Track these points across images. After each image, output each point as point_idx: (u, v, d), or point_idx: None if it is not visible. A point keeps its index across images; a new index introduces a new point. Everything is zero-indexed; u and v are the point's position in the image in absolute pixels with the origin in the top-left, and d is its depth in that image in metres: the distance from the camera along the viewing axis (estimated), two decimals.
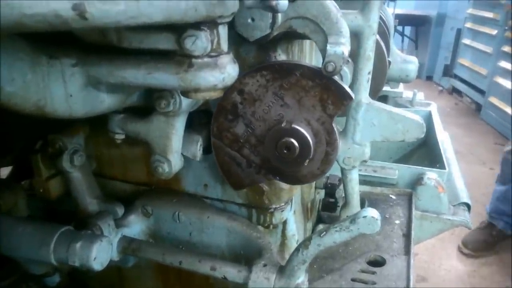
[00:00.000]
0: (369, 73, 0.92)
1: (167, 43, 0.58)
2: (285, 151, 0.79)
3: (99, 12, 0.45)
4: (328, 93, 0.77)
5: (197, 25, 0.56)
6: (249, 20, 0.75)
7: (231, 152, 0.86)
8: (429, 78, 7.40)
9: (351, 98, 0.77)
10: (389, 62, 1.45)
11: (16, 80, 0.55)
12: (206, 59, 0.59)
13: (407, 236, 1.36)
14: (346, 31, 0.74)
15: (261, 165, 0.85)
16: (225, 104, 0.82)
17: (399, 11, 5.98)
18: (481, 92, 5.70)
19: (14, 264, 0.90)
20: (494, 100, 5.29)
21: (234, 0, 0.57)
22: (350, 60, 1.02)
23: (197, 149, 0.89)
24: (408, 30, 7.76)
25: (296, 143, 0.78)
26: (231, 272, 0.89)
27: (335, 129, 0.80)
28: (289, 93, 0.78)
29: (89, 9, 0.44)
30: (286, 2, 0.58)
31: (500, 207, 3.12)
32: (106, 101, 0.69)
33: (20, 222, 0.86)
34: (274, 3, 0.56)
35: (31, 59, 0.56)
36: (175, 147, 0.84)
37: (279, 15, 0.74)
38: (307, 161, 0.80)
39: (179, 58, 0.58)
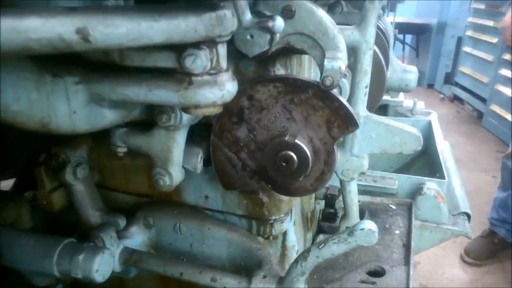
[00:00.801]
0: (366, 86, 0.94)
1: (168, 61, 0.60)
2: (283, 163, 0.81)
3: (102, 35, 0.47)
4: (336, 117, 0.79)
5: (197, 44, 0.58)
6: (248, 37, 0.77)
7: (229, 153, 0.87)
8: (431, 86, 7.41)
9: (357, 126, 0.79)
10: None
11: (21, 99, 0.57)
12: (205, 77, 0.61)
13: (407, 246, 1.36)
14: (343, 46, 0.76)
15: (256, 171, 0.87)
16: (232, 107, 0.83)
17: (399, 19, 6.00)
18: (483, 100, 5.70)
19: (17, 275, 0.91)
20: (495, 108, 5.30)
21: (232, 20, 0.59)
22: (348, 73, 1.04)
23: (197, 161, 0.91)
24: (409, 38, 7.79)
25: (295, 158, 0.79)
26: (231, 284, 0.90)
27: (336, 151, 0.82)
28: (298, 108, 0.80)
29: (93, 32, 0.46)
30: (282, 24, 0.60)
31: (502, 215, 3.11)
32: (108, 117, 0.70)
33: (24, 234, 0.87)
34: (270, 24, 0.58)
35: (35, 78, 0.58)
36: (176, 160, 0.86)
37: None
38: (302, 176, 0.82)
39: (180, 76, 0.60)
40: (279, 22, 0.58)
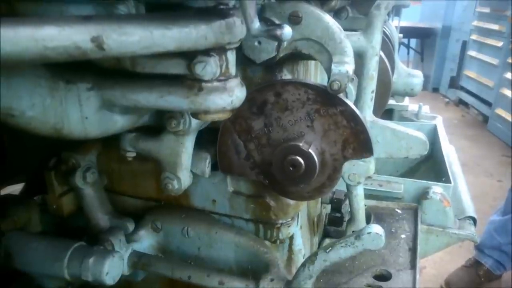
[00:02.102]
0: (372, 91, 0.95)
1: (178, 68, 0.61)
2: (290, 167, 0.81)
3: (115, 43, 0.48)
4: (355, 139, 0.80)
5: (206, 52, 0.59)
6: (256, 44, 0.79)
7: (237, 139, 0.87)
8: (436, 90, 7.40)
9: (372, 154, 0.81)
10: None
11: (36, 105, 0.58)
12: (215, 83, 0.62)
13: (413, 250, 1.37)
14: (350, 51, 0.77)
15: (259, 165, 0.87)
16: (257, 97, 0.82)
17: (404, 23, 6.01)
18: (488, 104, 5.69)
19: (28, 278, 0.92)
20: (501, 111, 5.28)
21: (241, 28, 0.60)
22: (354, 78, 1.05)
23: (205, 166, 0.92)
24: (413, 42, 7.79)
25: (303, 166, 0.80)
26: (239, 286, 0.90)
27: (342, 170, 0.82)
28: (321, 120, 0.80)
29: (107, 40, 0.47)
30: (290, 32, 0.61)
31: (497, 239, 2.78)
32: (119, 122, 0.71)
33: (34, 237, 0.89)
34: (279, 33, 0.59)
35: (50, 85, 0.59)
36: (185, 164, 0.87)
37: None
38: (310, 184, 0.83)
39: (190, 82, 0.61)
40: (287, 30, 0.59)
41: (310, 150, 0.80)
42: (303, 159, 0.80)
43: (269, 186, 0.89)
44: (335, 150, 0.82)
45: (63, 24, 0.46)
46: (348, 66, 0.75)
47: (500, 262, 2.78)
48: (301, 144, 0.80)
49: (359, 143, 0.81)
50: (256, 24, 0.60)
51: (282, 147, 0.82)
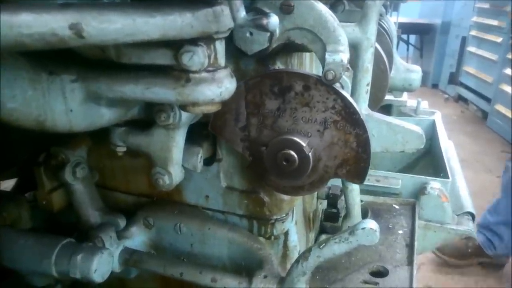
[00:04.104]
0: (367, 84, 0.93)
1: (165, 58, 0.59)
2: (283, 160, 0.79)
3: (96, 30, 0.46)
4: (354, 163, 0.79)
5: (194, 41, 0.57)
6: (248, 34, 0.76)
7: (242, 108, 0.82)
8: (435, 86, 7.39)
9: (362, 183, 0.80)
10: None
11: (17, 96, 0.56)
12: (203, 74, 0.60)
13: (410, 246, 1.35)
14: (344, 39, 0.74)
15: (251, 141, 0.83)
16: (284, 78, 0.78)
17: (403, 20, 5.99)
18: (487, 99, 5.68)
19: (17, 276, 0.91)
20: (500, 107, 5.27)
21: (230, 17, 0.58)
22: (349, 68, 1.03)
23: (197, 161, 0.90)
24: (413, 38, 7.76)
25: (296, 165, 0.78)
26: (232, 284, 0.89)
27: (325, 185, 0.82)
28: (334, 132, 0.78)
29: (86, 28, 0.46)
30: (277, 21, 0.59)
31: (487, 219, 2.97)
32: (106, 115, 0.70)
33: (22, 234, 0.87)
34: (265, 22, 0.57)
35: (31, 76, 0.57)
36: (176, 159, 0.85)
37: (277, 28, 0.75)
38: (292, 181, 0.82)
39: (177, 73, 0.59)
40: (274, 20, 0.57)
41: (309, 154, 0.78)
42: (298, 159, 0.78)
43: (250, 163, 0.86)
44: (331, 163, 0.81)
45: (40, 10, 0.44)
46: (343, 55, 0.72)
47: (491, 241, 2.93)
48: (304, 145, 0.77)
49: (356, 168, 0.80)
50: (242, 14, 0.58)
51: (284, 138, 0.79)
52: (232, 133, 0.84)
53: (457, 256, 3.00)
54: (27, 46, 0.44)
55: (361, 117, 0.77)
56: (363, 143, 0.78)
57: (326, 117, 0.77)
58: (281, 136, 0.80)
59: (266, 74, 0.79)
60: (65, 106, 0.62)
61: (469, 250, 2.99)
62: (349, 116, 0.76)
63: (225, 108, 0.81)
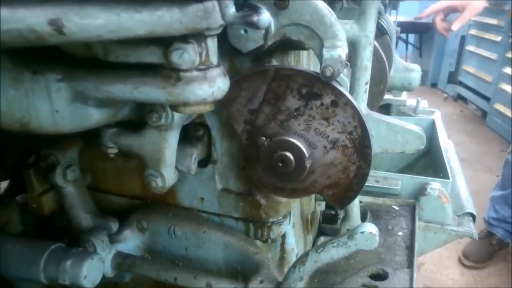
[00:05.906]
0: (366, 83, 0.90)
1: (154, 56, 0.56)
2: (279, 160, 0.77)
3: (77, 26, 0.44)
4: (342, 191, 0.79)
5: (184, 38, 0.54)
6: (242, 32, 0.74)
7: (260, 92, 0.77)
8: (434, 85, 7.36)
9: (341, 209, 0.81)
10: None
11: None
12: (194, 73, 0.57)
13: (410, 248, 1.33)
14: (342, 34, 0.71)
15: (254, 127, 0.80)
16: (318, 87, 0.74)
17: (402, 18, 5.95)
18: (487, 98, 5.65)
19: (5, 282, 0.88)
20: (499, 106, 5.24)
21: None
22: (348, 64, 1.00)
23: (191, 162, 0.87)
24: (412, 37, 7.74)
25: (291, 168, 0.77)
26: None
27: (306, 197, 0.80)
28: (340, 154, 0.77)
29: (67, 23, 0.43)
30: (268, 17, 0.56)
31: (501, 213, 3.02)
32: (95, 116, 0.67)
33: (11, 239, 0.84)
34: (255, 19, 0.54)
35: (13, 75, 0.55)
36: (169, 161, 0.82)
37: (272, 24, 0.72)
38: (276, 181, 0.81)
39: (167, 72, 0.57)
40: (265, 16, 0.54)
41: (307, 166, 0.76)
42: (295, 166, 0.76)
43: (244, 160, 0.84)
44: (321, 181, 0.80)
45: (17, 5, 0.41)
46: (341, 50, 0.69)
47: (510, 232, 3.03)
48: (306, 156, 0.76)
49: (343, 195, 0.80)
50: (231, 10, 0.55)
51: (290, 141, 0.77)
52: (238, 111, 0.80)
53: (485, 257, 3.06)
54: (4, 43, 0.41)
55: (371, 154, 0.77)
56: (361, 176, 0.78)
57: (339, 138, 0.76)
58: (287, 136, 0.77)
59: (301, 71, 0.75)
60: (51, 107, 0.60)
61: (496, 248, 3.06)
62: (361, 148, 0.76)
63: (244, 85, 0.77)
